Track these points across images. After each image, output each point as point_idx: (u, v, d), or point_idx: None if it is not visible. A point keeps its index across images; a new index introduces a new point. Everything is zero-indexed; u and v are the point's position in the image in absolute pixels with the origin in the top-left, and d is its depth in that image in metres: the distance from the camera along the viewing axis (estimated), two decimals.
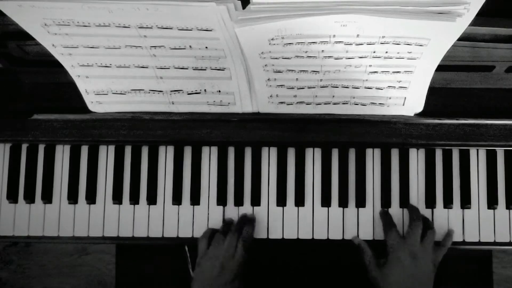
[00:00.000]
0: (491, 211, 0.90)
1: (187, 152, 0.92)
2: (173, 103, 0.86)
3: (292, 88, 0.82)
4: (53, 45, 0.75)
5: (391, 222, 0.88)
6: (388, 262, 0.83)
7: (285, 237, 0.91)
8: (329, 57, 0.75)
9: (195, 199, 0.91)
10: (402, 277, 0.81)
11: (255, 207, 0.91)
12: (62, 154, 0.93)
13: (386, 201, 0.91)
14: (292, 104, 0.86)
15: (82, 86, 0.83)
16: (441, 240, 0.88)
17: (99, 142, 0.92)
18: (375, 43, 0.72)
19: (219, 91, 0.84)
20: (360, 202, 0.90)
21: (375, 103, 0.85)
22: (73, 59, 0.78)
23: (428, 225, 0.88)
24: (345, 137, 0.89)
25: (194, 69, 0.79)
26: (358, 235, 0.90)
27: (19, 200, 0.92)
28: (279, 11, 0.65)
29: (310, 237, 0.90)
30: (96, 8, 0.66)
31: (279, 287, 1.03)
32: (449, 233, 0.89)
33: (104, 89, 0.83)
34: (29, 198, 0.91)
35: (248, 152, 0.92)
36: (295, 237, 0.90)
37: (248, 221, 0.89)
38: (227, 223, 0.90)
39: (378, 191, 0.91)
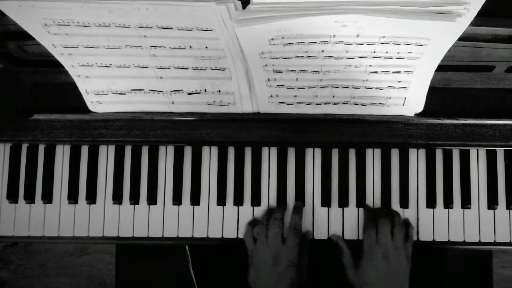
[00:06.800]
0: (491, 211, 0.90)
1: (187, 152, 0.92)
2: (173, 103, 0.86)
3: (292, 88, 0.82)
4: (53, 45, 0.75)
5: (373, 222, 0.86)
6: (362, 265, 0.83)
7: None
8: (329, 57, 0.75)
9: (195, 199, 0.91)
10: (377, 278, 0.81)
11: (255, 207, 0.91)
12: (62, 154, 0.93)
13: (386, 201, 0.91)
14: (292, 104, 0.86)
15: (82, 86, 0.83)
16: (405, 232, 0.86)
17: (99, 142, 0.92)
18: (375, 43, 0.72)
19: (219, 91, 0.84)
20: (360, 202, 0.90)
21: (375, 103, 0.85)
22: (73, 59, 0.78)
23: (394, 220, 0.85)
24: (345, 137, 0.89)
25: (194, 69, 0.79)
26: (358, 236, 0.90)
27: (19, 200, 0.92)
28: (279, 11, 0.65)
29: (310, 237, 0.90)
30: (96, 8, 0.66)
31: None
32: (407, 222, 0.88)
33: (104, 89, 0.83)
34: (29, 198, 0.91)
35: (248, 152, 0.92)
36: None
37: (295, 209, 0.89)
38: (268, 212, 0.89)
39: (378, 191, 0.91)
